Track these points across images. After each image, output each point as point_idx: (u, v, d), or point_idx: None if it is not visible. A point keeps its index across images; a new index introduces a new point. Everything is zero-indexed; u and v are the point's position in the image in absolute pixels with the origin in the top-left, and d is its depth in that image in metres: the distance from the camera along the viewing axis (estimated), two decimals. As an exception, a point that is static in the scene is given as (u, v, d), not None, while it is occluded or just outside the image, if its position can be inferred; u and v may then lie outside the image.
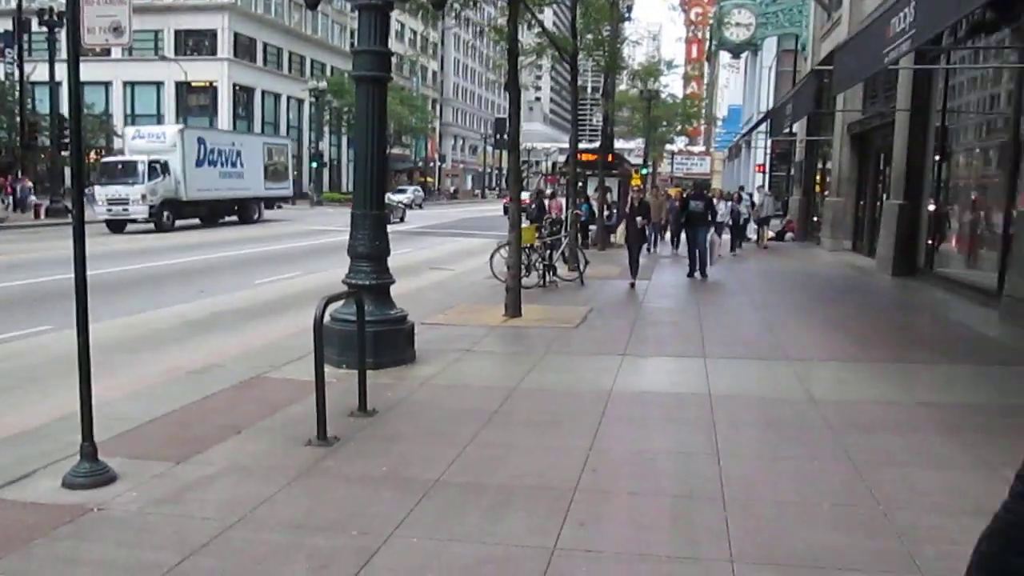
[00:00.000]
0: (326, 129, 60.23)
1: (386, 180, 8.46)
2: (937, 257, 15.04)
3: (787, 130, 27.52)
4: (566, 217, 17.84)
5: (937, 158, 15.15)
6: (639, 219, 14.92)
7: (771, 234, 26.42)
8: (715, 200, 21.25)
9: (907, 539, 4.04)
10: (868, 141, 20.93)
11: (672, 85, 73.82)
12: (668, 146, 56.92)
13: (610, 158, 25.35)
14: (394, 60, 8.27)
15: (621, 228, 17.12)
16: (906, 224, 15.72)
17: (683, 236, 18.25)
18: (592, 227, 22.00)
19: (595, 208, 21.91)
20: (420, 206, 47.56)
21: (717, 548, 3.95)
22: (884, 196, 18.29)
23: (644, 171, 41.72)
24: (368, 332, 6.65)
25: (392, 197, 39.46)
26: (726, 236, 22.16)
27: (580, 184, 23.47)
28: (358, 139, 7.94)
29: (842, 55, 12.92)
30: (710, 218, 16.62)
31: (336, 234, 23.67)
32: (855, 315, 11.83)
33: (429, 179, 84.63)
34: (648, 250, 20.87)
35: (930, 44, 14.42)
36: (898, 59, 9.25)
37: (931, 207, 15.23)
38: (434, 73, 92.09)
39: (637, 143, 50.55)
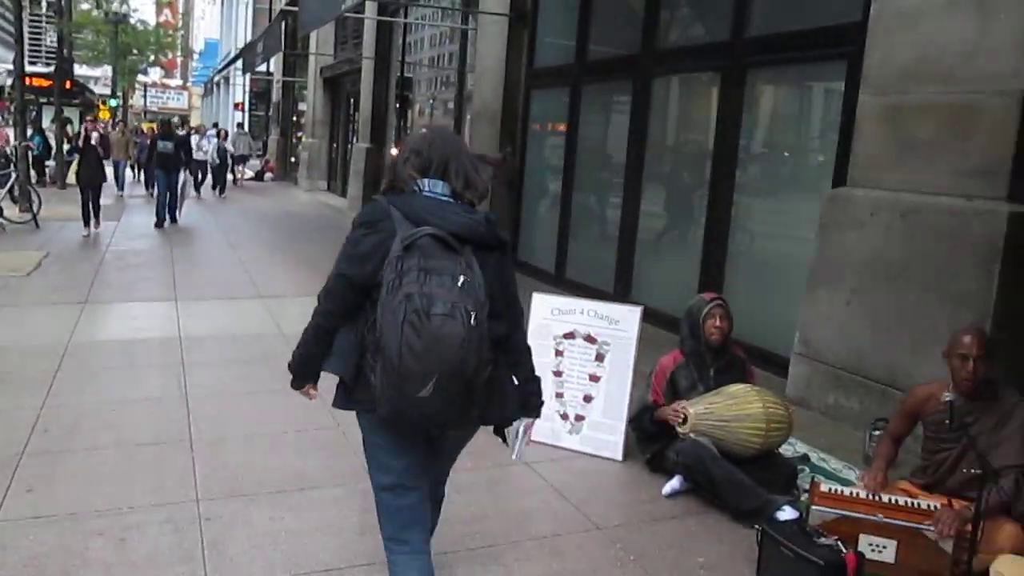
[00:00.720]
0: None
1: None
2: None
3: (263, 68, 27.48)
4: (14, 150, 15.66)
5: (399, 106, 16.50)
6: (98, 152, 13.27)
7: (250, 174, 26.33)
8: (197, 137, 20.44)
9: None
10: (339, 85, 21.89)
11: (143, 10, 68.25)
12: (141, 77, 52.98)
13: (68, 85, 22.79)
14: None
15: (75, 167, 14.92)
16: (372, 166, 16.91)
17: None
18: (49, 163, 19.66)
19: (52, 141, 19.60)
20: None
21: (183, 490, 3.93)
22: (354, 139, 19.39)
23: (114, 102, 38.47)
24: None
25: None
26: (209, 177, 21.44)
27: (34, 113, 20.85)
28: None
29: (306, -2, 13.27)
30: (183, 158, 15.51)
31: None
32: (325, 252, 12.30)
33: None
34: (118, 188, 19.32)
35: (390, -2, 15.55)
36: (354, 8, 9.81)
37: (394, 151, 16.59)
38: None
39: (104, 71, 46.03)
